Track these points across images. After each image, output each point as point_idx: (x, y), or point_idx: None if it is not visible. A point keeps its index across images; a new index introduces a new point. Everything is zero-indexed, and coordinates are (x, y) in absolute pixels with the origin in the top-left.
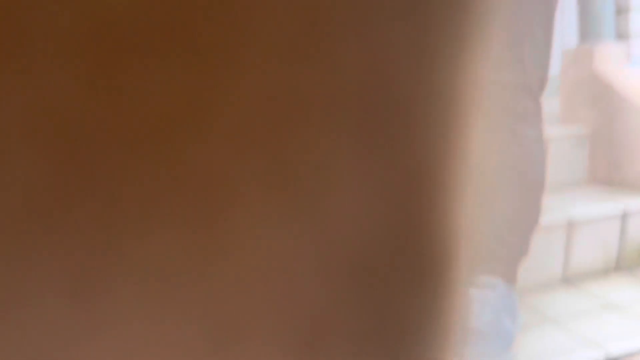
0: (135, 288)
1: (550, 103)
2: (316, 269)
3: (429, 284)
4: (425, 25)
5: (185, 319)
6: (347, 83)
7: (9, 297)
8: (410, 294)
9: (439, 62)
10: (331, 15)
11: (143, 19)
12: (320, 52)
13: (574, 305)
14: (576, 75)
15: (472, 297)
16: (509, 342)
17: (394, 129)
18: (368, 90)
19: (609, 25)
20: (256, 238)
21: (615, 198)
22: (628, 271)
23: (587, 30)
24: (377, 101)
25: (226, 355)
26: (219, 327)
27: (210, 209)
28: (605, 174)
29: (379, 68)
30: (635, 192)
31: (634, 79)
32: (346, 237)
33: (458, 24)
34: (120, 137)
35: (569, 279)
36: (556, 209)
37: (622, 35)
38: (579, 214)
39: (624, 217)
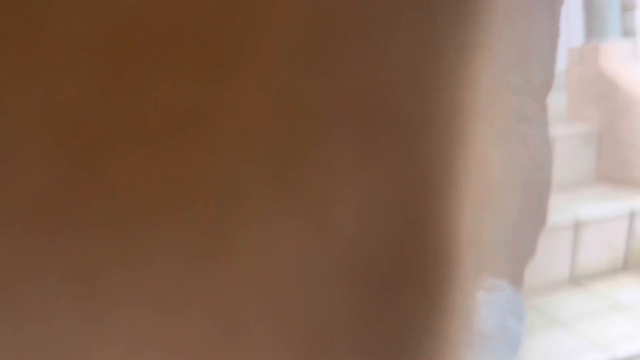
0: (141, 289)
1: (556, 100)
2: (320, 272)
3: (433, 288)
4: (429, 31)
5: (190, 319)
6: (351, 87)
7: (13, 297)
8: (415, 297)
9: (443, 66)
10: (335, 22)
11: (154, 25)
12: (325, 57)
13: (581, 307)
14: (582, 73)
15: (479, 300)
16: (516, 345)
17: (398, 133)
18: (372, 94)
19: (615, 22)
20: (261, 240)
21: (622, 197)
22: (636, 271)
23: (593, 28)
24: (381, 105)
25: (230, 357)
26: (223, 328)
27: (216, 211)
28: (612, 173)
29: (383, 72)
30: None
31: None
32: (350, 240)
33: (462, 28)
34: (128, 138)
35: (576, 280)
36: (563, 209)
37: (628, 32)
38: (586, 214)
39: (632, 216)
